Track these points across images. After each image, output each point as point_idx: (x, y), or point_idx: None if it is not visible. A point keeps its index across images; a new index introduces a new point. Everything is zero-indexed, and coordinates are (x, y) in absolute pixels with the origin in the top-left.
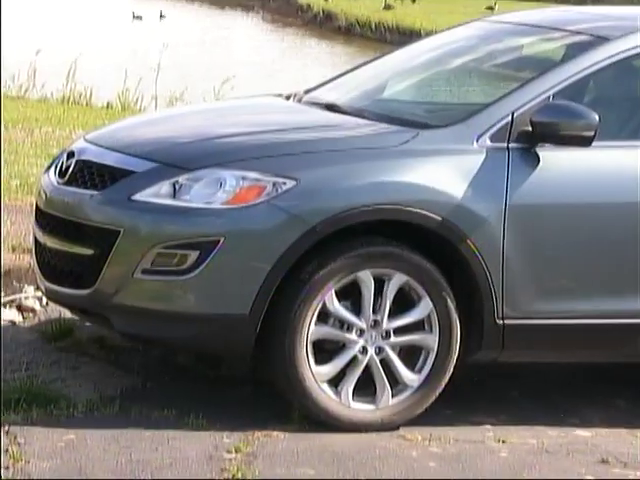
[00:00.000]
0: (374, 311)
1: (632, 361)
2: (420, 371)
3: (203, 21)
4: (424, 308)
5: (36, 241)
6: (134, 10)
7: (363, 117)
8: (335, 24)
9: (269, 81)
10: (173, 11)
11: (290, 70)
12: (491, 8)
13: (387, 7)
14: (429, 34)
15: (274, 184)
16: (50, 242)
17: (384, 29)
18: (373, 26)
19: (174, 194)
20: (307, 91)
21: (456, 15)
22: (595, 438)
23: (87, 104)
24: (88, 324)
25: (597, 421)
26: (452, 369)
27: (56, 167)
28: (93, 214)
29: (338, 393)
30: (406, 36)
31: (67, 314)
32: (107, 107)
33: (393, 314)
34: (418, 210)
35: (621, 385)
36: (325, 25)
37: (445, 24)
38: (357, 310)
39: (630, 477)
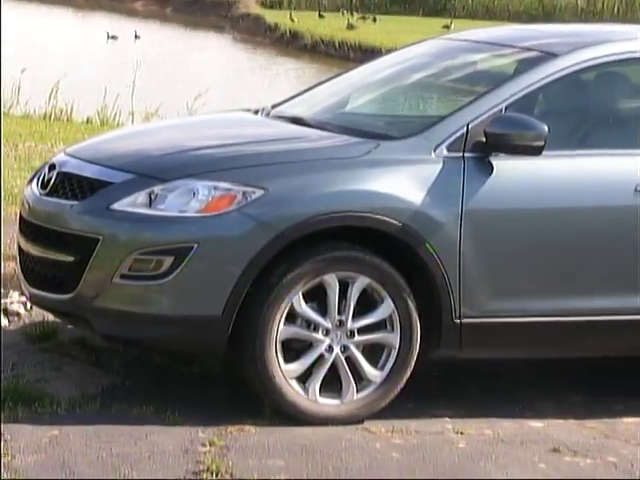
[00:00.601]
0: (339, 312)
1: (582, 356)
2: (383, 368)
3: (177, 41)
4: (386, 309)
5: (20, 249)
6: (109, 31)
7: (327, 130)
8: (301, 43)
9: (239, 96)
10: (148, 32)
11: (259, 86)
12: (447, 27)
13: (350, 27)
14: (389, 51)
15: (244, 193)
16: (33, 250)
17: (347, 47)
18: (337, 44)
19: (150, 203)
20: (274, 106)
21: (415, 34)
22: (547, 429)
23: (68, 120)
24: (70, 327)
25: (549, 413)
26: (413, 366)
27: (38, 179)
28: (73, 223)
29: (306, 389)
30: (368, 53)
31: (50, 317)
32: (87, 122)
33: (357, 314)
34: (380, 216)
35: (571, 379)
36: (292, 44)
37: (404, 42)
38: (323, 311)
39: (580, 464)
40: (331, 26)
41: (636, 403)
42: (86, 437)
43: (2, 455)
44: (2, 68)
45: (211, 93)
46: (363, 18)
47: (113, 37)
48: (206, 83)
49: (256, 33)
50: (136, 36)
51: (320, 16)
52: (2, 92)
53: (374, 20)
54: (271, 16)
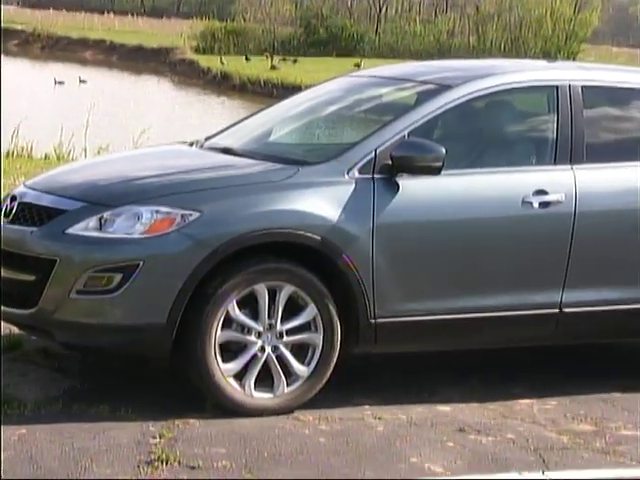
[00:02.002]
0: (269, 316)
1: (482, 347)
2: (309, 364)
3: (121, 84)
4: (310, 312)
5: None
6: (56, 77)
7: (253, 158)
8: (231, 83)
9: (178, 130)
10: (99, 77)
11: (194, 121)
12: (358, 65)
13: (273, 67)
14: (307, 88)
15: (182, 216)
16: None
17: (271, 85)
18: (262, 83)
19: (100, 227)
20: (207, 138)
21: (330, 72)
22: (453, 412)
23: (28, 156)
24: (34, 338)
25: (455, 398)
26: (335, 361)
27: (1, 209)
28: (34, 247)
29: (242, 385)
30: (289, 90)
31: (16, 330)
32: (45, 158)
33: (285, 318)
34: (302, 232)
35: (474, 368)
36: (223, 84)
37: (320, 79)
38: (255, 316)
39: (483, 442)
40: (256, 67)
41: (529, 386)
42: (50, 434)
43: None
44: None
45: (154, 129)
46: (284, 60)
47: (60, 82)
48: (149, 120)
49: (191, 76)
50: (81, 80)
51: (247, 59)
52: None
53: (294, 61)
54: (204, 60)
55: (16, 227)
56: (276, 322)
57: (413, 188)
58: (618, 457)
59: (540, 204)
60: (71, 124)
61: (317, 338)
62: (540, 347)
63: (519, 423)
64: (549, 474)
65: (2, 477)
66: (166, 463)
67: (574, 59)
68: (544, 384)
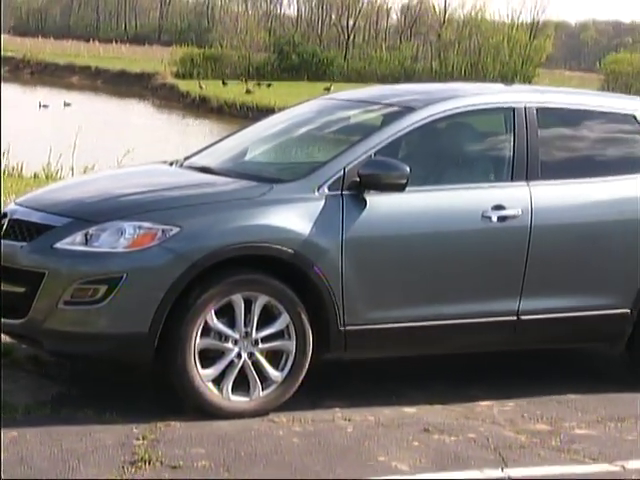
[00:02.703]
0: (245, 325)
1: (445, 353)
2: (283, 369)
3: (106, 107)
4: (283, 321)
5: None
6: (41, 100)
7: (230, 176)
8: (209, 106)
9: (159, 151)
10: (81, 100)
11: (174, 142)
12: (327, 89)
13: (248, 91)
14: (280, 110)
15: (163, 231)
16: None
17: (246, 108)
18: (238, 106)
19: (86, 242)
20: (186, 158)
21: (301, 95)
22: (419, 413)
23: (19, 175)
24: (24, 346)
25: (420, 400)
26: (307, 366)
27: None
28: (24, 260)
29: (220, 389)
30: (264, 113)
31: (7, 339)
32: (34, 177)
33: (260, 326)
34: (275, 246)
35: (437, 372)
36: (201, 107)
37: (292, 102)
38: (232, 325)
39: (446, 441)
40: (233, 91)
41: (489, 389)
42: (40, 437)
43: None
44: None
45: (137, 149)
46: (259, 84)
47: (45, 106)
48: (132, 141)
49: (172, 99)
50: (66, 104)
51: (224, 84)
52: None
53: (268, 85)
54: (183, 85)
55: (7, 242)
56: (251, 330)
57: (379, 204)
58: (572, 455)
59: (498, 218)
60: (57, 145)
61: (290, 345)
62: (499, 352)
63: (480, 423)
64: (508, 471)
65: (2, 477)
66: (149, 463)
67: (529, 82)
68: (503, 387)
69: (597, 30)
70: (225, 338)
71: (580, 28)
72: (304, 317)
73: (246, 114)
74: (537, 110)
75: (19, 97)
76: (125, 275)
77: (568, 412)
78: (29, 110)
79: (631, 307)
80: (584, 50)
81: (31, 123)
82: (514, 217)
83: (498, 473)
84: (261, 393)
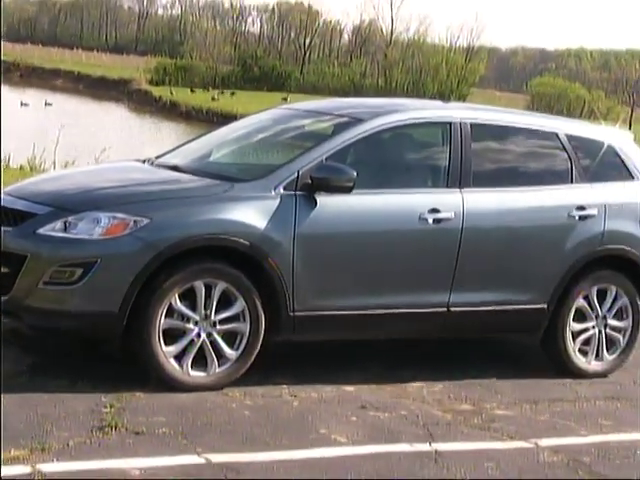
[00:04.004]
0: (205, 308)
1: (382, 338)
2: (237, 349)
3: (86, 108)
4: (239, 306)
5: None
6: (21, 99)
7: (196, 174)
8: (178, 110)
9: (133, 149)
10: (63, 100)
11: (147, 141)
12: (285, 99)
13: (213, 99)
14: (242, 117)
15: (135, 221)
16: None
17: (212, 114)
18: (204, 112)
19: (65, 229)
20: (157, 157)
21: (262, 104)
22: (357, 392)
23: (6, 167)
24: (6, 320)
25: (357, 379)
26: (259, 347)
27: None
28: (9, 244)
29: (181, 365)
30: (227, 118)
31: None
32: (20, 169)
33: (218, 310)
34: (234, 238)
35: (375, 355)
36: (172, 111)
37: (254, 110)
38: (193, 307)
39: (380, 417)
40: (200, 98)
41: (420, 372)
42: (18, 402)
43: None
44: None
45: (113, 147)
46: (223, 93)
47: (25, 104)
48: (109, 140)
49: (145, 103)
50: (47, 103)
51: (192, 91)
52: None
53: (232, 94)
54: (156, 91)
55: None
56: (211, 313)
57: (328, 204)
58: (492, 432)
59: (434, 220)
60: (38, 141)
61: (245, 327)
62: (430, 339)
63: (411, 402)
64: (435, 445)
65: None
66: (115, 429)
67: (464, 100)
68: (432, 370)
69: (525, 56)
70: (187, 319)
71: (510, 53)
72: (258, 303)
73: (211, 119)
74: (471, 125)
75: (6, 96)
76: (99, 260)
77: (489, 394)
78: (13, 108)
79: (547, 303)
80: (513, 73)
81: (13, 120)
82: (447, 220)
83: (426, 447)
84: (217, 369)
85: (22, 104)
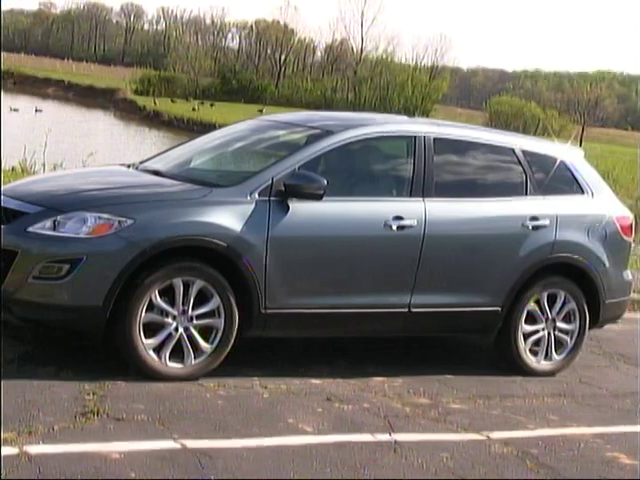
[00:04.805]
0: (183, 304)
1: (347, 336)
2: (212, 342)
3: (74, 115)
4: (215, 302)
5: None
6: (10, 105)
7: (177, 179)
8: (162, 119)
9: (118, 154)
10: (53, 107)
11: (131, 147)
12: (260, 111)
13: (194, 109)
14: (221, 126)
15: (119, 222)
16: None
17: (192, 123)
18: (185, 121)
19: (54, 227)
20: (141, 162)
21: (239, 115)
22: (323, 385)
23: None
24: None
25: (324, 373)
26: (233, 341)
27: None
28: (1, 240)
29: (159, 356)
30: (207, 128)
31: None
32: (12, 170)
33: (195, 306)
34: (212, 239)
35: (341, 351)
36: (155, 119)
37: (232, 120)
38: (172, 303)
39: (344, 409)
40: (182, 108)
41: (382, 367)
42: (6, 388)
43: None
44: None
45: (100, 152)
46: (203, 103)
47: (15, 109)
48: (96, 144)
49: (131, 112)
50: (37, 110)
51: (172, 101)
52: None
53: (211, 105)
54: (141, 100)
55: None
56: (188, 309)
57: (300, 210)
58: (448, 425)
59: (398, 227)
60: (28, 144)
61: (219, 323)
62: (393, 337)
63: (373, 395)
64: (395, 436)
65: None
66: (97, 415)
67: (428, 116)
68: (393, 366)
69: (485, 76)
70: (166, 314)
71: (471, 73)
72: (232, 300)
73: (192, 128)
74: (433, 139)
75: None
76: (85, 257)
77: (446, 389)
78: (5, 113)
79: (501, 306)
80: (473, 92)
81: (4, 124)
82: (410, 227)
83: (386, 437)
84: (193, 361)
85: (11, 109)
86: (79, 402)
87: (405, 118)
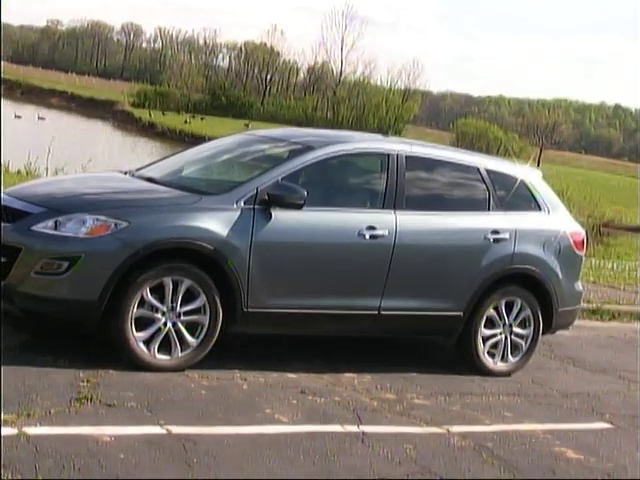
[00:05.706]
0: (172, 301)
1: (322, 335)
2: (198, 337)
3: (75, 124)
4: (201, 300)
5: None
6: (15, 112)
7: (169, 186)
8: (156, 130)
9: (115, 162)
10: (56, 115)
11: (127, 155)
12: (247, 125)
13: (186, 122)
14: (210, 139)
15: (115, 224)
16: None
17: (184, 135)
18: (178, 132)
19: (55, 227)
20: (137, 169)
21: (227, 129)
22: (298, 379)
23: (6, 171)
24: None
25: (299, 368)
26: (217, 336)
27: None
28: (6, 238)
29: (149, 349)
30: (197, 140)
31: None
32: (18, 173)
33: (183, 303)
34: (200, 242)
35: (315, 348)
36: (150, 130)
37: (221, 133)
38: (162, 300)
39: (317, 401)
40: (174, 121)
41: (353, 364)
42: (6, 374)
43: None
44: None
45: (98, 159)
46: (194, 117)
47: (18, 117)
48: (95, 152)
49: (127, 123)
50: (39, 117)
51: (163, 114)
52: None
53: (202, 119)
54: (137, 112)
55: None
56: (176, 306)
57: (282, 218)
58: (411, 418)
59: (370, 236)
60: (32, 150)
61: (205, 319)
62: (363, 337)
63: (344, 390)
64: (362, 427)
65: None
66: (90, 401)
67: (400, 135)
68: (363, 363)
69: (453, 99)
70: (156, 310)
71: (440, 97)
72: (217, 299)
73: (183, 139)
74: (406, 157)
75: (4, 110)
76: (83, 255)
77: (410, 386)
78: (8, 120)
79: (463, 311)
80: (442, 114)
81: (9, 130)
82: (382, 236)
83: (355, 428)
84: (180, 354)
85: (15, 116)
86: (74, 388)
87: (380, 137)
